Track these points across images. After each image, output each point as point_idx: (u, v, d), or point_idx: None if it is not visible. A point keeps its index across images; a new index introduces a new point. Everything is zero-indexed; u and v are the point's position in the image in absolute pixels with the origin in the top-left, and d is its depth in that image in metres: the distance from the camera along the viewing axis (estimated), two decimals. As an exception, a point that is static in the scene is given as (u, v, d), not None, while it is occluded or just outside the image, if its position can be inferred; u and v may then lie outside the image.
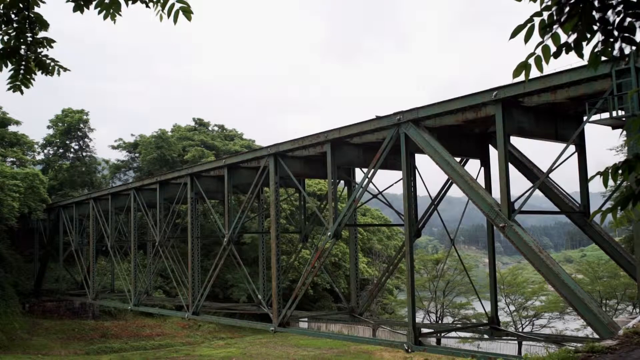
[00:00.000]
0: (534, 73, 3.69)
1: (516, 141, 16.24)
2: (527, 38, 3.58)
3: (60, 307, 46.89)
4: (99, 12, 5.05)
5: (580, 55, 3.58)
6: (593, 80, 12.70)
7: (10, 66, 5.37)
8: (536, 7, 3.60)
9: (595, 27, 3.46)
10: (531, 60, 3.63)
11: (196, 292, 27.26)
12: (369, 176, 18.39)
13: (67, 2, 5.01)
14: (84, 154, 59.65)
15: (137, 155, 63.71)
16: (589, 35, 3.48)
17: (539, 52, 3.59)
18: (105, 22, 5.07)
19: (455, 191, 17.46)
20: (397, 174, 18.85)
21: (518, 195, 14.32)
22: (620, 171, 3.56)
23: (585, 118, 13.41)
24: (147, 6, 4.92)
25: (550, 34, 3.52)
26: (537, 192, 15.57)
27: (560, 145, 14.29)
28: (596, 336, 12.31)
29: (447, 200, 25.96)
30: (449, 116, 15.94)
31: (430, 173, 20.65)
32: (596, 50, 3.50)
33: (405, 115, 16.63)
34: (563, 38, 3.54)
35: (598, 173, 3.63)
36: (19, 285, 46.08)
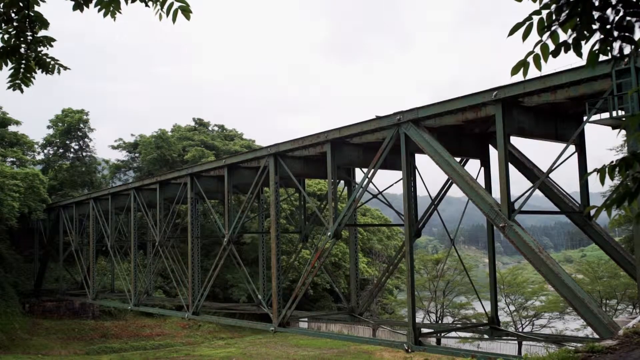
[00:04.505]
0: (533, 72, 3.69)
1: (516, 141, 16.26)
2: (525, 36, 3.58)
3: (60, 307, 46.87)
4: (99, 10, 5.06)
5: (579, 55, 3.58)
6: (593, 80, 12.70)
7: (10, 65, 5.38)
8: (536, 6, 3.60)
9: (594, 27, 3.45)
10: (530, 59, 3.63)
11: (196, 292, 27.26)
12: (369, 176, 18.39)
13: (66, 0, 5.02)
14: (84, 154, 59.65)
15: (137, 155, 63.73)
16: (587, 34, 3.48)
17: (537, 50, 3.59)
18: (105, 21, 5.11)
19: (455, 191, 17.50)
20: (397, 174, 18.87)
21: (518, 195, 14.33)
22: (617, 169, 3.56)
23: (585, 118, 13.41)
24: (147, 5, 4.92)
25: (549, 33, 3.52)
26: (537, 192, 15.57)
27: (560, 145, 14.29)
28: (596, 336, 12.32)
29: (446, 200, 25.96)
30: (449, 116, 15.94)
31: (430, 173, 20.68)
32: (595, 49, 3.49)
33: (405, 115, 16.63)
34: (562, 37, 3.54)
35: (595, 170, 3.63)
36: (19, 285, 46.11)
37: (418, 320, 28.08)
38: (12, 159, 50.24)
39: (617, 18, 3.40)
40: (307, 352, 40.92)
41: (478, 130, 18.01)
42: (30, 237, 49.63)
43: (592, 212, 3.80)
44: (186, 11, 4.87)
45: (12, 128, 54.35)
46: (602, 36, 3.45)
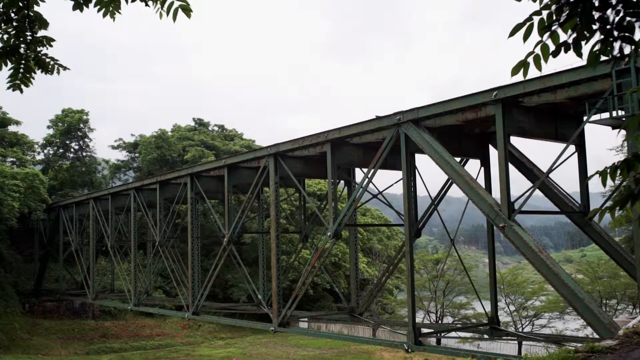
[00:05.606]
0: (533, 72, 3.68)
1: (516, 141, 16.26)
2: (525, 37, 3.58)
3: (60, 307, 46.89)
4: (99, 10, 5.05)
5: (579, 55, 3.57)
6: (593, 80, 12.70)
7: (10, 65, 5.37)
8: (536, 6, 3.60)
9: (594, 27, 3.45)
10: (530, 59, 3.62)
11: (196, 292, 27.26)
12: (369, 176, 18.39)
13: None
14: (84, 154, 59.67)
15: (137, 155, 63.77)
16: (588, 35, 3.47)
17: (538, 50, 3.58)
18: (105, 21, 5.11)
19: (455, 191, 17.47)
20: (397, 174, 18.87)
21: (518, 195, 14.33)
22: (619, 170, 3.55)
23: (585, 118, 13.41)
24: (147, 5, 4.91)
25: (549, 33, 3.52)
26: (537, 192, 15.58)
27: (560, 145, 14.29)
28: (596, 336, 12.31)
29: (446, 200, 25.96)
30: (449, 116, 15.94)
31: (430, 173, 20.66)
32: (595, 49, 3.49)
33: (405, 115, 16.63)
34: (562, 37, 3.54)
35: (597, 172, 3.62)
36: (19, 285, 46.10)
37: (418, 320, 28.08)
38: (12, 159, 50.23)
39: (617, 18, 3.40)
40: (307, 352, 40.92)
41: (478, 130, 18.02)
42: (30, 237, 49.63)
43: (597, 216, 3.79)
44: (186, 10, 4.86)
45: (12, 128, 54.41)
46: (602, 36, 3.45)
